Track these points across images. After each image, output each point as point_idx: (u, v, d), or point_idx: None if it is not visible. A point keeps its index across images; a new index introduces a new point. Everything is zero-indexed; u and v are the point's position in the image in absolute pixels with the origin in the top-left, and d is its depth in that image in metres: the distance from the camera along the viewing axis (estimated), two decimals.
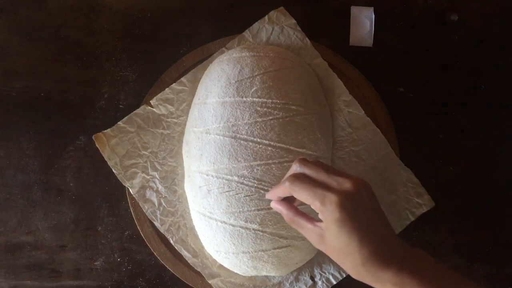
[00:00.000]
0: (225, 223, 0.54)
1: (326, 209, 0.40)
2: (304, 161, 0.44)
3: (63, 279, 0.61)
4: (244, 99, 0.55)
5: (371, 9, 0.66)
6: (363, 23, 0.65)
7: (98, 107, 0.63)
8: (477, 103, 0.66)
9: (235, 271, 0.57)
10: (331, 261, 0.59)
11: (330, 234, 0.40)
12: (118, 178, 0.59)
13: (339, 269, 0.59)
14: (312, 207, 0.41)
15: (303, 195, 0.41)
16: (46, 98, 0.63)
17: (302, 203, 0.46)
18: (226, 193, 0.54)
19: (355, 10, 0.66)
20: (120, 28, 0.65)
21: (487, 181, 0.65)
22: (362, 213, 0.40)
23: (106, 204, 0.62)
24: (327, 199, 0.39)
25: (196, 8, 0.65)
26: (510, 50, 0.67)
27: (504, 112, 0.66)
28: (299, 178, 0.42)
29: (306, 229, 0.43)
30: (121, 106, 0.64)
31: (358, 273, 0.41)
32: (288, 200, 0.46)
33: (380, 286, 0.40)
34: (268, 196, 0.46)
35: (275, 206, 0.46)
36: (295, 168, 0.44)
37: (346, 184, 0.40)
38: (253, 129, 0.54)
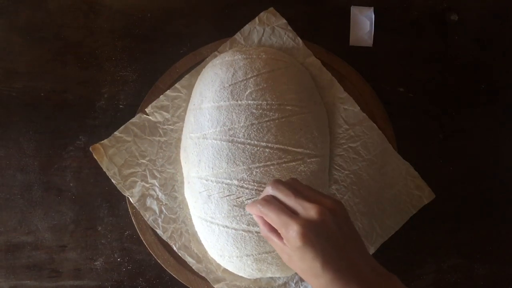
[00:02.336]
0: (227, 227, 0.54)
1: (288, 236, 0.41)
2: (276, 184, 0.44)
3: (63, 279, 0.61)
4: (239, 102, 0.55)
5: (371, 9, 0.66)
6: (363, 23, 0.65)
7: (98, 107, 0.63)
8: (477, 103, 0.66)
9: (240, 274, 0.57)
10: None
11: (295, 258, 0.42)
12: (118, 188, 0.59)
13: None
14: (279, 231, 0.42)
15: (270, 219, 0.43)
16: (46, 98, 0.63)
17: None
18: (227, 197, 0.54)
19: (355, 10, 0.66)
20: (120, 28, 0.65)
21: (487, 181, 0.65)
22: (325, 240, 0.40)
23: (106, 204, 0.62)
24: (289, 228, 0.40)
25: (196, 8, 0.65)
26: (510, 50, 0.67)
27: (504, 112, 0.66)
28: (269, 202, 0.43)
29: (277, 246, 0.44)
30: (121, 106, 0.64)
31: None
32: None
33: None
34: (247, 209, 0.47)
35: (256, 218, 0.46)
36: (268, 190, 0.45)
37: (311, 212, 0.41)
38: (250, 132, 0.54)
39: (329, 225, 0.41)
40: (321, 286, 0.41)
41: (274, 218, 0.42)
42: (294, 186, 0.44)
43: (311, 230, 0.40)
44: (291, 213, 0.42)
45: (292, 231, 0.40)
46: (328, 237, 0.40)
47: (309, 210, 0.41)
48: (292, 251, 0.41)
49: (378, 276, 0.41)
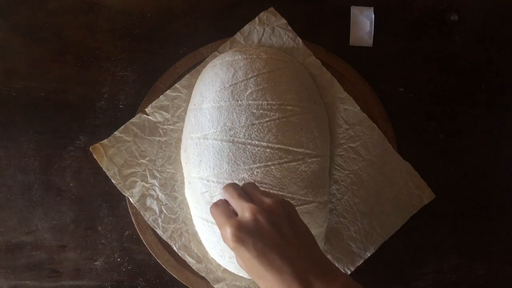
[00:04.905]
0: None
1: (225, 238, 0.41)
2: (226, 186, 0.46)
3: (63, 279, 0.61)
4: (240, 102, 0.55)
5: (371, 9, 0.66)
6: (363, 23, 0.65)
7: (98, 107, 0.63)
8: (477, 103, 0.66)
9: (240, 274, 0.57)
10: (335, 259, 0.59)
11: (238, 259, 0.42)
12: (118, 188, 0.59)
13: (343, 266, 0.59)
14: None
15: (216, 222, 0.44)
16: (46, 98, 0.63)
17: None
18: None
19: (355, 10, 0.66)
20: (120, 28, 0.65)
21: (487, 181, 0.65)
22: (258, 240, 0.40)
23: (106, 204, 0.62)
24: (225, 229, 0.41)
25: (196, 8, 0.65)
26: (510, 50, 0.67)
27: (504, 112, 0.66)
28: (216, 204, 0.44)
29: (221, 229, 0.44)
30: (121, 106, 0.64)
31: None
32: None
33: None
34: None
35: None
36: (222, 192, 0.46)
37: (245, 212, 0.41)
38: (251, 132, 0.54)
39: (262, 224, 0.41)
40: (267, 287, 0.40)
41: (217, 220, 0.43)
42: (244, 188, 0.45)
43: (242, 230, 0.40)
44: (231, 214, 0.42)
45: (226, 233, 0.41)
46: (261, 237, 0.40)
47: (244, 210, 0.42)
48: (235, 254, 0.42)
49: (321, 276, 0.40)
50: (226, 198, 0.45)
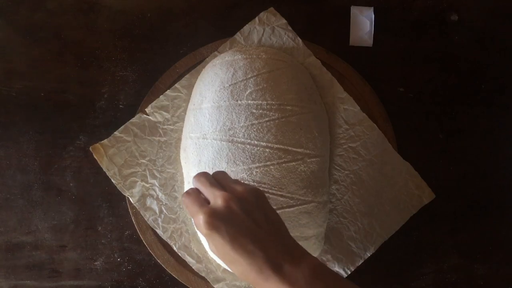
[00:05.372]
0: None
1: (198, 226, 0.41)
2: (197, 175, 0.45)
3: (63, 279, 0.61)
4: (239, 102, 0.55)
5: (371, 9, 0.66)
6: (363, 23, 0.65)
7: (98, 107, 0.63)
8: (477, 103, 0.66)
9: None
10: (335, 259, 0.59)
11: (211, 246, 0.42)
12: (118, 188, 0.59)
13: (343, 266, 0.59)
14: None
15: (188, 211, 0.43)
16: (46, 98, 0.63)
17: None
18: None
19: (355, 10, 0.66)
20: (120, 28, 0.65)
21: (487, 181, 0.65)
22: (230, 225, 0.40)
23: (106, 204, 0.62)
24: (198, 217, 0.41)
25: (196, 8, 0.65)
26: (510, 50, 0.67)
27: (504, 112, 0.66)
28: (188, 193, 0.44)
29: (194, 214, 0.44)
30: (121, 106, 0.64)
31: (248, 281, 0.42)
32: None
33: None
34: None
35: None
36: (192, 181, 0.46)
37: (218, 200, 0.42)
38: (250, 132, 0.54)
39: (235, 211, 0.41)
40: (239, 272, 0.41)
41: (189, 208, 0.43)
42: (215, 177, 0.45)
43: (215, 217, 0.40)
44: (203, 202, 0.42)
45: (199, 220, 0.41)
46: (233, 223, 0.41)
47: (216, 198, 0.42)
48: (208, 241, 0.42)
49: (291, 259, 0.41)
50: (198, 187, 0.45)
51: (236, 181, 0.45)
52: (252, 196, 0.43)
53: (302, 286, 0.39)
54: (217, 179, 0.45)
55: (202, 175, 0.45)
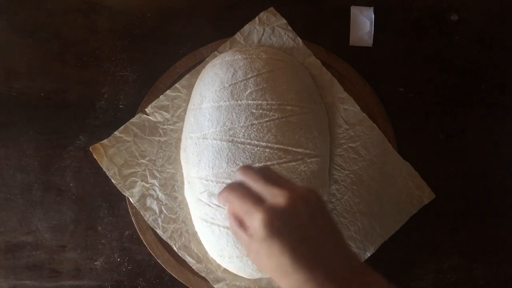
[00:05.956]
0: (228, 228, 0.54)
1: (253, 226, 0.36)
2: (244, 169, 0.40)
3: (63, 279, 0.61)
4: (239, 102, 0.55)
5: (371, 9, 0.65)
6: (363, 23, 0.65)
7: (98, 107, 0.63)
8: (477, 103, 0.66)
9: (240, 274, 0.57)
10: None
11: (262, 253, 0.35)
12: (118, 188, 0.59)
13: None
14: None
15: (234, 207, 0.38)
16: (46, 98, 0.63)
17: None
18: None
19: (355, 10, 0.66)
20: (120, 28, 0.65)
21: (487, 181, 0.65)
22: (294, 231, 0.35)
23: (106, 204, 0.62)
24: (253, 215, 0.35)
25: (196, 8, 0.65)
26: (510, 50, 0.67)
27: (504, 112, 0.66)
28: (234, 188, 0.39)
29: (245, 242, 0.38)
30: (121, 106, 0.64)
31: None
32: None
33: None
34: (218, 199, 0.43)
35: (226, 209, 0.41)
36: (237, 176, 0.40)
37: (279, 198, 0.36)
38: (250, 132, 0.54)
39: (300, 214, 0.35)
40: (292, 287, 0.35)
41: (238, 205, 0.37)
42: (264, 172, 0.39)
43: (277, 218, 0.34)
44: (257, 200, 0.37)
45: (256, 220, 0.35)
46: (298, 228, 0.35)
47: (277, 197, 0.36)
48: (259, 245, 0.35)
49: (358, 275, 0.35)
50: (247, 182, 0.38)
51: (291, 181, 0.39)
52: (315, 198, 0.37)
53: None
54: (266, 175, 0.38)
55: (250, 168, 0.39)
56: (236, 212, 0.38)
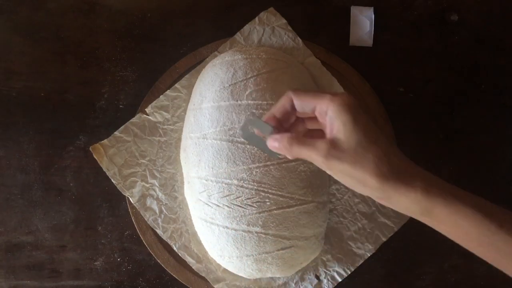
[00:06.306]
0: (227, 228, 0.54)
1: (335, 104, 0.38)
2: (296, 92, 0.41)
3: (63, 279, 0.61)
4: (239, 102, 0.55)
5: (371, 9, 0.66)
6: (363, 23, 0.65)
7: (98, 107, 0.63)
8: (477, 103, 0.66)
9: (240, 274, 0.57)
10: (335, 259, 0.59)
11: (342, 135, 0.38)
12: (118, 188, 0.59)
13: (343, 266, 0.59)
14: (318, 107, 0.39)
15: (307, 98, 0.40)
16: (46, 98, 0.63)
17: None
18: (227, 197, 0.53)
19: (355, 10, 0.66)
20: (120, 28, 0.65)
21: (487, 181, 0.65)
22: (365, 116, 0.38)
23: (106, 204, 0.62)
24: (334, 97, 0.38)
25: (196, 8, 0.65)
26: (510, 50, 0.67)
27: (504, 112, 0.66)
28: (298, 93, 0.41)
29: (313, 147, 0.39)
30: (121, 106, 0.64)
31: (381, 173, 0.37)
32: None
33: (406, 191, 0.38)
34: (266, 117, 0.42)
35: (272, 144, 0.41)
36: (288, 94, 0.41)
37: (339, 94, 0.39)
38: None
39: (358, 107, 0.38)
40: (370, 169, 0.37)
41: (312, 95, 0.40)
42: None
43: (352, 101, 0.38)
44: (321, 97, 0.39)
45: (337, 99, 0.38)
46: (365, 114, 0.39)
47: (336, 94, 0.39)
48: (339, 117, 0.38)
49: (410, 167, 0.39)
50: (302, 94, 0.40)
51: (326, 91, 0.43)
52: (357, 100, 0.40)
53: (423, 189, 0.39)
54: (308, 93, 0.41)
55: (296, 91, 0.41)
56: (309, 100, 0.40)
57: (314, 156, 0.39)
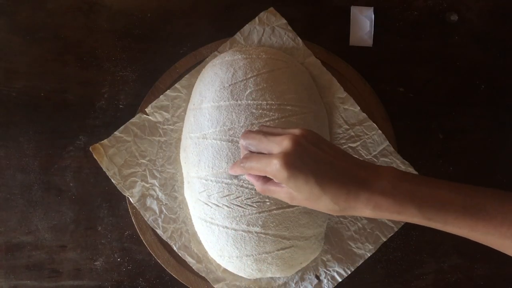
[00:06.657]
0: (227, 228, 0.54)
1: (275, 173, 0.41)
2: (245, 134, 0.46)
3: (63, 279, 0.61)
4: (239, 102, 0.55)
5: (371, 9, 0.66)
6: (363, 23, 0.65)
7: (98, 107, 0.63)
8: (477, 103, 0.66)
9: (240, 274, 0.57)
10: (335, 259, 0.59)
11: (293, 191, 0.42)
12: (118, 188, 0.59)
13: (343, 266, 0.59)
14: (268, 176, 0.43)
15: (255, 170, 0.44)
16: (46, 98, 0.63)
17: None
18: (227, 197, 0.53)
19: (355, 10, 0.66)
20: (120, 28, 0.65)
21: (487, 181, 0.65)
22: (308, 160, 0.41)
23: (106, 204, 0.62)
24: (272, 164, 0.41)
25: (196, 8, 0.65)
26: (510, 50, 0.67)
27: (504, 112, 0.66)
28: (246, 158, 0.45)
29: (277, 193, 0.45)
30: (121, 106, 0.64)
31: (336, 211, 0.42)
32: None
33: (361, 214, 0.43)
34: (230, 172, 0.48)
35: (248, 178, 0.47)
36: (241, 142, 0.46)
37: (285, 143, 0.42)
38: None
39: (305, 146, 0.42)
40: (330, 206, 0.42)
41: (256, 165, 0.43)
42: (263, 130, 0.46)
43: (291, 157, 0.41)
44: (269, 153, 0.43)
45: (275, 166, 0.41)
46: (310, 157, 0.41)
47: (282, 142, 0.42)
48: (288, 186, 0.42)
49: (374, 172, 0.42)
50: (253, 145, 0.45)
51: (284, 128, 0.46)
52: (310, 133, 0.44)
53: (390, 191, 0.41)
54: (264, 131, 0.45)
55: (248, 132, 0.45)
56: (256, 172, 0.44)
57: (281, 198, 0.45)
